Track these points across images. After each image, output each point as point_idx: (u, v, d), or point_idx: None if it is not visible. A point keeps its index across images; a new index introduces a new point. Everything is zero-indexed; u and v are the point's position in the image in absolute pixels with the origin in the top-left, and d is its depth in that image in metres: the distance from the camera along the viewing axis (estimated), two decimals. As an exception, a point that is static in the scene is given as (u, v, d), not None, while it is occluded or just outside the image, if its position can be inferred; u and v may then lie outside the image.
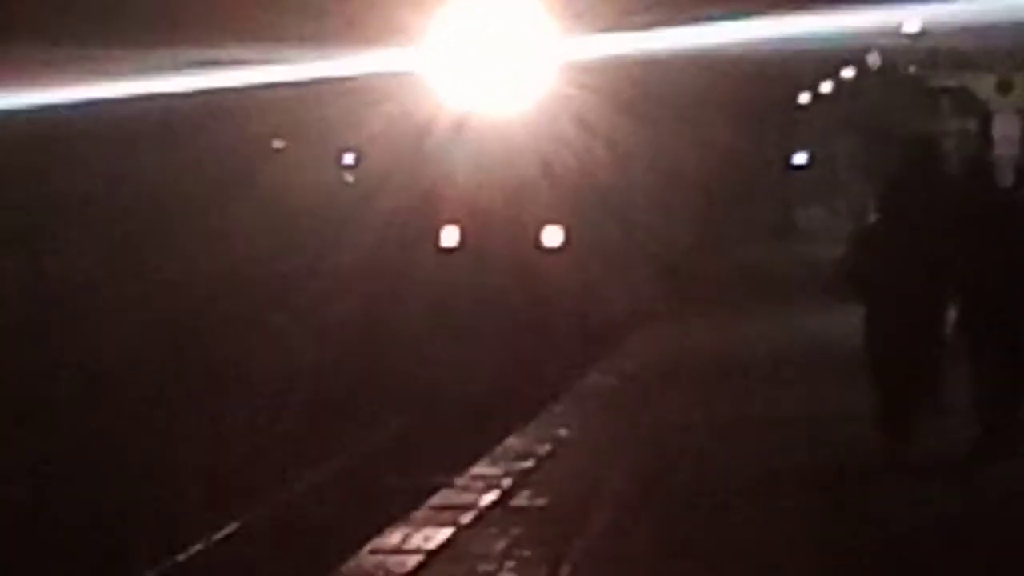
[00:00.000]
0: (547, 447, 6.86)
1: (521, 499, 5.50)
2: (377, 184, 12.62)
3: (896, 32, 17.14)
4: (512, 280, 10.84)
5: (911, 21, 16.64)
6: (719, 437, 6.85)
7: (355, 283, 11.95)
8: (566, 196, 11.42)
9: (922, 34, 16.78)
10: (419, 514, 5.15)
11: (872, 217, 6.80)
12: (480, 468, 6.33)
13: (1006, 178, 6.70)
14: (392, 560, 4.28)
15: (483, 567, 4.16)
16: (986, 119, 14.86)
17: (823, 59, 20.72)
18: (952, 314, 6.17)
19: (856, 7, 14.21)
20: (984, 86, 15.18)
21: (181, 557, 6.51)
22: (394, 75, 11.05)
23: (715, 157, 17.73)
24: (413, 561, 4.23)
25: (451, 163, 11.21)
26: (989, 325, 5.87)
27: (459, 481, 6.02)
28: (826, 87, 23.70)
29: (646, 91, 11.99)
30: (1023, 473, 5.37)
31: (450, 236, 11.33)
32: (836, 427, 6.84)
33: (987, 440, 5.80)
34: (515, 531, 4.75)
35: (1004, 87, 14.40)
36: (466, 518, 4.99)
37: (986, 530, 4.38)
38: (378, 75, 10.86)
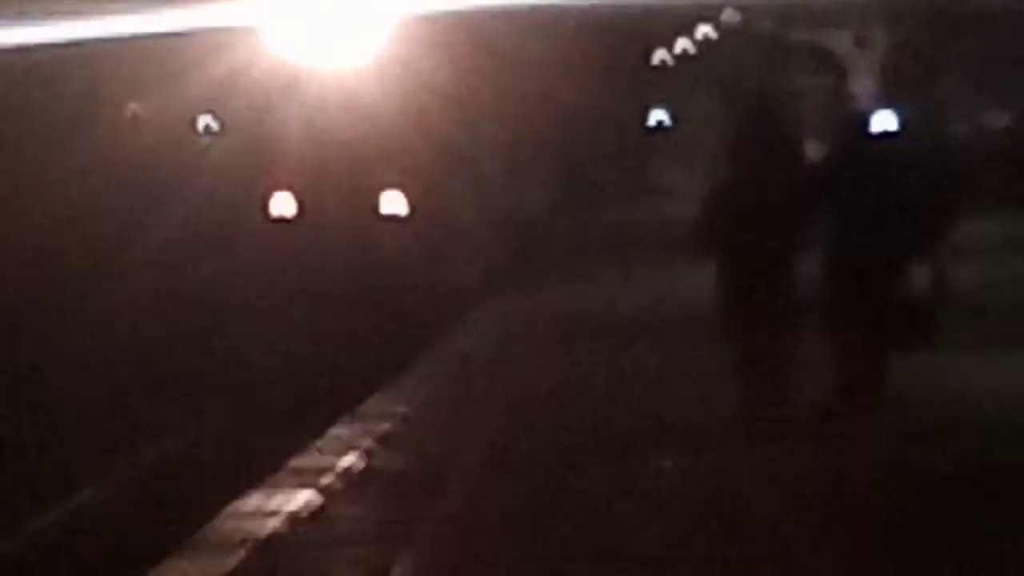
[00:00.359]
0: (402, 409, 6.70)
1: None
2: (206, 146, 11.87)
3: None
4: (352, 250, 10.17)
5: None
6: (562, 400, 6.70)
7: (178, 254, 10.96)
8: (409, 158, 10.76)
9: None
10: (279, 477, 5.11)
11: (724, 176, 6.58)
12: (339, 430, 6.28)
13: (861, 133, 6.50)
14: (252, 524, 4.20)
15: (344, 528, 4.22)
16: (842, 76, 14.69)
17: (677, 15, 20.40)
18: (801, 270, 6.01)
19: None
20: (841, 42, 15.10)
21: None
22: (223, 30, 10.27)
23: (565, 116, 16.99)
24: (273, 523, 4.17)
25: (284, 123, 10.47)
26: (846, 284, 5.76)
27: (319, 443, 5.92)
28: (681, 45, 23.06)
29: (492, 46, 11.33)
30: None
31: (281, 203, 10.53)
32: (684, 386, 6.56)
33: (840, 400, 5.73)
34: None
35: (860, 43, 14.33)
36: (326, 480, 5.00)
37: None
38: (206, 30, 10.11)
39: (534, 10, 11.65)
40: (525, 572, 3.57)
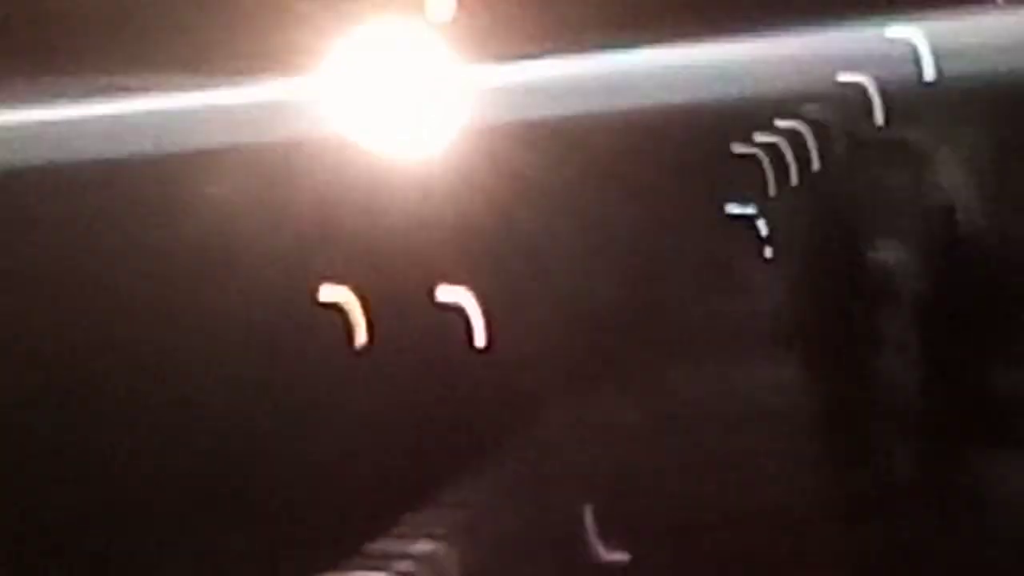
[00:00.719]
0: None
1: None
2: (254, 230, 11.95)
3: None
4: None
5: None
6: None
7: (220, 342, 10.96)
8: (475, 252, 10.56)
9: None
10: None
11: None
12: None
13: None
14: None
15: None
16: (931, 170, 14.65)
17: (756, 109, 21.09)
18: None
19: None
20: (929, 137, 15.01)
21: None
22: (276, 105, 10.26)
23: (643, 209, 17.11)
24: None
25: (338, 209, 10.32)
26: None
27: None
28: (763, 138, 24.00)
29: (563, 145, 11.35)
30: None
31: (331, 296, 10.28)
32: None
33: None
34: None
35: (947, 138, 14.31)
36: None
37: None
38: (258, 105, 10.12)
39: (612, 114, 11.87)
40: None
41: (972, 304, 5.74)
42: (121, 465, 7.48)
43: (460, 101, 10.22)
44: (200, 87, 9.64)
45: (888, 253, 6.58)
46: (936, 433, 5.67)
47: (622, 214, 15.55)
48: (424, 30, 10.06)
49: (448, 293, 9.86)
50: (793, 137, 22.31)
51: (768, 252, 17.80)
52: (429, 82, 9.62)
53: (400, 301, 10.24)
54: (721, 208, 24.03)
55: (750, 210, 22.35)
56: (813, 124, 21.33)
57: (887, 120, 12.55)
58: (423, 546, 5.59)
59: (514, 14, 10.20)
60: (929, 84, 10.45)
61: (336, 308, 10.50)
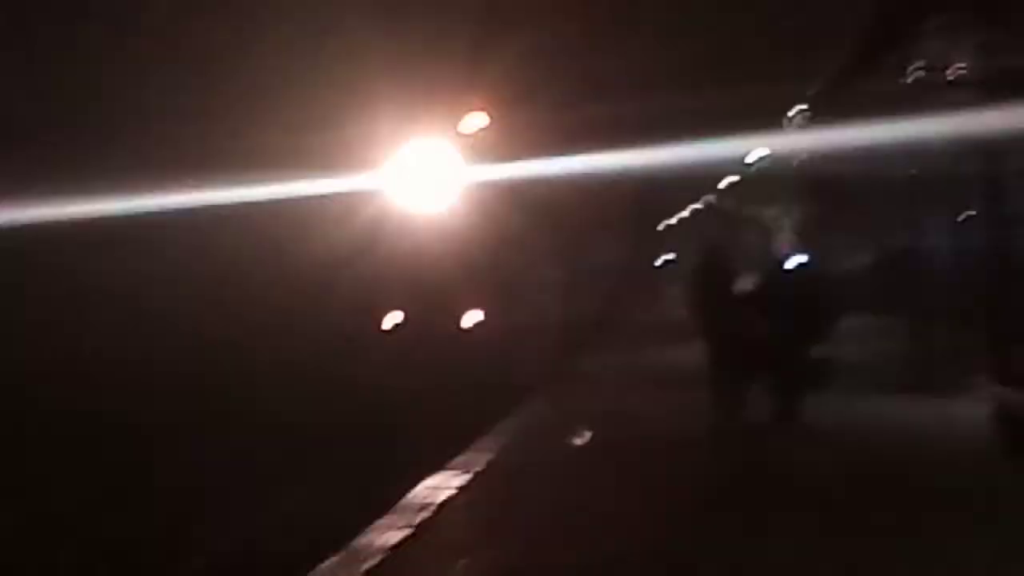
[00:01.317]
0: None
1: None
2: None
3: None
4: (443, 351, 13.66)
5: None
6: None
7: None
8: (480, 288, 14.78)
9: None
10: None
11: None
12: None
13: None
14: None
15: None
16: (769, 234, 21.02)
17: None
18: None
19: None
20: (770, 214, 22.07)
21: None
22: (346, 196, 13.17)
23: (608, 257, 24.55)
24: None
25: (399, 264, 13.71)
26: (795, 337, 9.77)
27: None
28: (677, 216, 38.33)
29: (542, 208, 15.77)
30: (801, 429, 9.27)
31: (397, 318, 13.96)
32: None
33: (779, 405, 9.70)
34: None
35: (780, 215, 20.80)
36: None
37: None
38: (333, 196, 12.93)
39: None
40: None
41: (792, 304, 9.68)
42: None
43: (480, 187, 14.09)
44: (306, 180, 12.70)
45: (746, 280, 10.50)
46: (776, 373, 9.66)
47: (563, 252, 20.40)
48: (458, 139, 14.05)
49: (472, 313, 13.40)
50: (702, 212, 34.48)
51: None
52: (460, 174, 13.44)
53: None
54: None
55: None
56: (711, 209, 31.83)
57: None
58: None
59: (517, 132, 14.32)
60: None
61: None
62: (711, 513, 5.96)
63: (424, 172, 14.12)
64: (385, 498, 7.00)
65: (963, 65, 10.76)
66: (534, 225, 15.43)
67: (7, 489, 7.93)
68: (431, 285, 13.90)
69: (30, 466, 8.45)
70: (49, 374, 9.88)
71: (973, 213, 12.91)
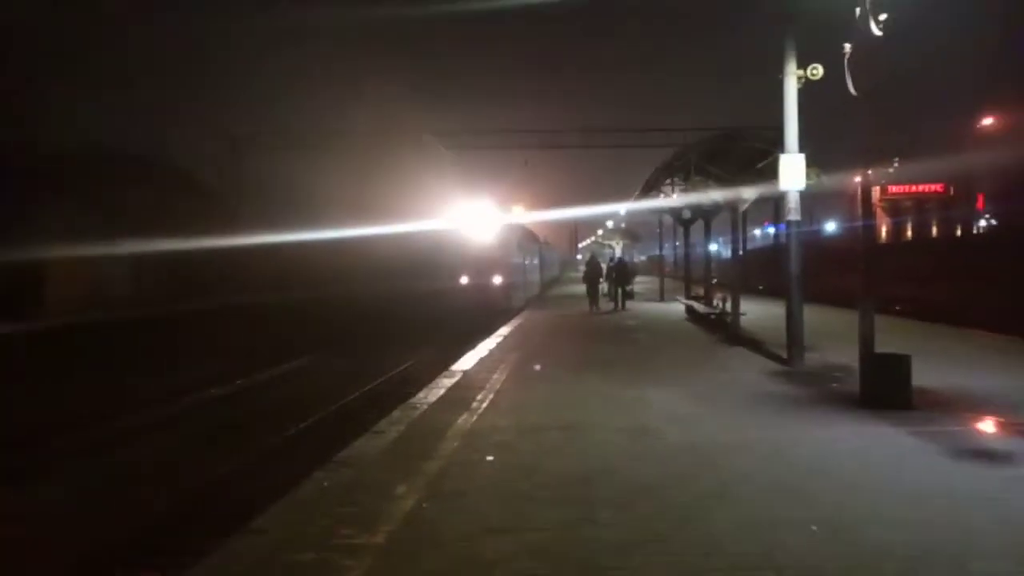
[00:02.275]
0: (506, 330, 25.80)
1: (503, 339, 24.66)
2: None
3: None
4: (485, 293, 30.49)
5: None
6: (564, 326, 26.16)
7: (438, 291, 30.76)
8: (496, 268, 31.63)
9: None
10: (471, 348, 17.88)
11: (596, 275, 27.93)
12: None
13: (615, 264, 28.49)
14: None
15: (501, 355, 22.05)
16: (614, 254, 38.99)
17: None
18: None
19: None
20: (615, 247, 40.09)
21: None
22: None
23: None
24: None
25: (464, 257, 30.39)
26: (616, 285, 27.15)
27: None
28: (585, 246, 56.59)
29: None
30: (623, 313, 25.40)
31: (465, 279, 30.39)
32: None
33: (615, 306, 26.91)
34: (505, 350, 23.26)
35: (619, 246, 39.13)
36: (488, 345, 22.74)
37: (605, 324, 23.98)
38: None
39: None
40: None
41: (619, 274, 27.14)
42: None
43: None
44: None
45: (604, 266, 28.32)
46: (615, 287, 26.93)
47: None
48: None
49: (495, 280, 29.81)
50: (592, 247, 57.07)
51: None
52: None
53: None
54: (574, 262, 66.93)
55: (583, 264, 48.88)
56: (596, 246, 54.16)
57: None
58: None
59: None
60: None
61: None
62: (590, 339, 22.83)
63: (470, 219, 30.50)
64: (468, 349, 18.54)
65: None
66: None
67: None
68: (477, 266, 30.19)
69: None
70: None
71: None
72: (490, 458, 7.56)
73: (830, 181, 15.81)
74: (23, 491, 10.50)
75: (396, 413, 9.86)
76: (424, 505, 6.11)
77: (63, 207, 20.84)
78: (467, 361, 15.17)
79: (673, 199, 23.52)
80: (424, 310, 27.85)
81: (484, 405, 10.20)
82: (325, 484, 6.74)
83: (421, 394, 11.17)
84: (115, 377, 16.44)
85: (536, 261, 44.64)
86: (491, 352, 16.89)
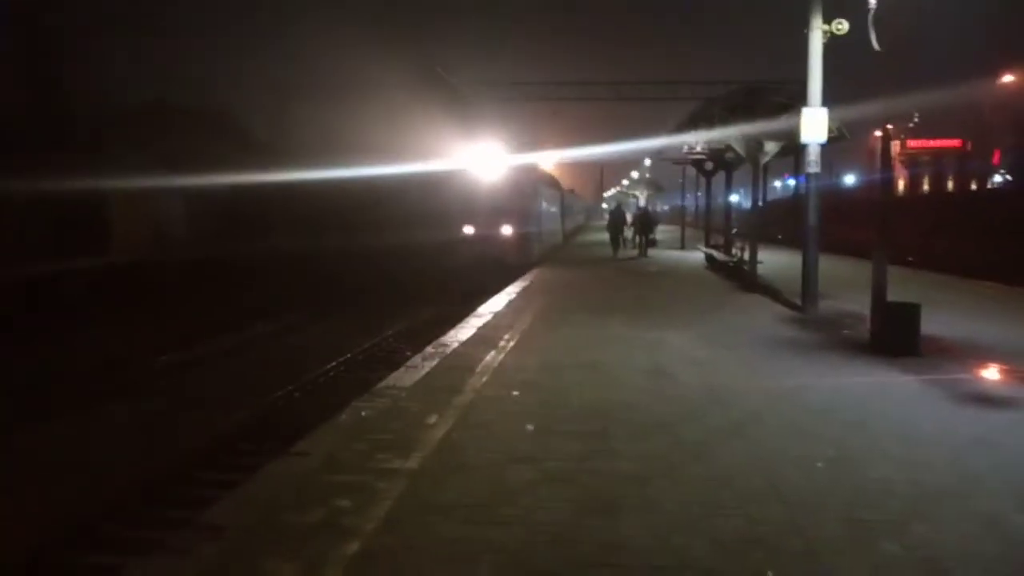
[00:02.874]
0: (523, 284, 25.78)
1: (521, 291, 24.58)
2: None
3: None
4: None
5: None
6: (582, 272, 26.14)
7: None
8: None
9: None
10: (488, 298, 17.14)
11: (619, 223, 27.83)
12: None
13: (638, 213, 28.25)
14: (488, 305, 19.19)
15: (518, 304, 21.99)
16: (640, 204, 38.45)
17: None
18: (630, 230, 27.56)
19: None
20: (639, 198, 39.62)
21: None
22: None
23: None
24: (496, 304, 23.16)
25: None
26: (639, 233, 27.06)
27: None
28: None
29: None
30: (644, 260, 25.40)
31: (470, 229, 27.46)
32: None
33: (639, 253, 26.77)
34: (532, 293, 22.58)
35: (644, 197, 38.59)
36: (506, 298, 21.39)
37: (627, 270, 23.93)
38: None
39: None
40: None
41: (646, 223, 26.97)
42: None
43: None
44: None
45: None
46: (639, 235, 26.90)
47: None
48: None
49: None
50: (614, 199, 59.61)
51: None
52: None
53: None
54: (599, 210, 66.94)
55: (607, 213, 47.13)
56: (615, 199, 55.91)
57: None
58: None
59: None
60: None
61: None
62: (612, 285, 22.86)
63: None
64: (481, 303, 17.11)
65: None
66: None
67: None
68: (486, 214, 29.54)
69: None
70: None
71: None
72: (515, 393, 7.67)
73: (850, 134, 15.49)
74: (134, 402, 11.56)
75: (429, 349, 9.99)
76: (453, 435, 6.25)
77: (128, 155, 21.01)
78: (496, 303, 15.24)
79: (696, 138, 23.15)
80: (427, 265, 25.08)
81: (511, 344, 10.30)
82: (363, 413, 6.89)
83: (452, 332, 11.29)
84: (180, 312, 17.02)
85: (556, 209, 40.38)
86: (517, 295, 16.91)
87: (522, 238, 27.20)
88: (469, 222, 26.13)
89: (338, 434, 6.25)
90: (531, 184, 30.08)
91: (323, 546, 4.17)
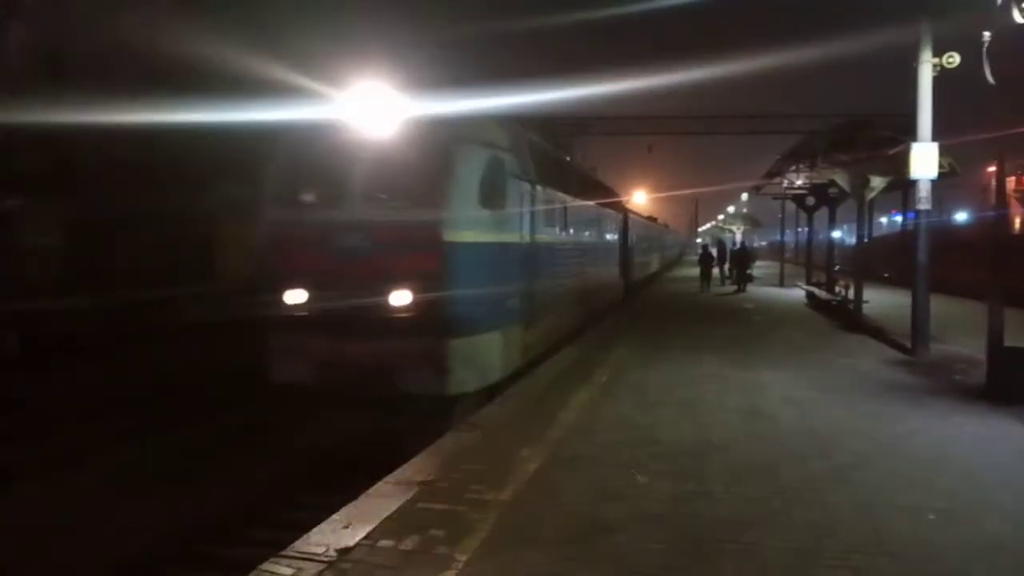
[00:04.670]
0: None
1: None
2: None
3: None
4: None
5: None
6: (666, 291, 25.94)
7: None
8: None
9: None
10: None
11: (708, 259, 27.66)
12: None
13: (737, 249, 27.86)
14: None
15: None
16: (735, 239, 37.59)
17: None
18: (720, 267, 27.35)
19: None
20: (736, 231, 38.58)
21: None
22: None
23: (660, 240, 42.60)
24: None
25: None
26: (734, 267, 26.66)
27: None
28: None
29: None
30: (740, 296, 24.96)
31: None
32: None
33: (735, 289, 26.31)
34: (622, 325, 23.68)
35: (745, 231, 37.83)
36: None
37: (722, 306, 23.37)
38: None
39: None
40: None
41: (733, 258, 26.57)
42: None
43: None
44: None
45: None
46: (733, 272, 26.42)
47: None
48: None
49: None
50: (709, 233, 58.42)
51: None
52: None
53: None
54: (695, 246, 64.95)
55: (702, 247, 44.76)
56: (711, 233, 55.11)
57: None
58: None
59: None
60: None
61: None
62: (707, 321, 22.36)
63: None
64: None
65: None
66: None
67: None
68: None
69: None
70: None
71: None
72: (608, 429, 7.63)
73: (961, 170, 14.88)
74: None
75: (522, 380, 10.04)
76: (546, 469, 6.26)
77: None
78: (589, 335, 15.18)
79: (799, 183, 22.70)
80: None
81: (603, 379, 10.25)
82: (459, 443, 7.00)
83: (544, 366, 11.32)
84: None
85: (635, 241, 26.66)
86: (609, 326, 16.79)
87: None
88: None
89: (435, 462, 6.38)
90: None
91: None
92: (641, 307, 22.48)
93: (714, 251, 32.50)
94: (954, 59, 12.00)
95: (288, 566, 4.48)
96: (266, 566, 4.51)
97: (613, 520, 5.11)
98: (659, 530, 4.94)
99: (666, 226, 60.02)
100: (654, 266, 37.74)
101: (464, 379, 8.67)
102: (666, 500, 5.51)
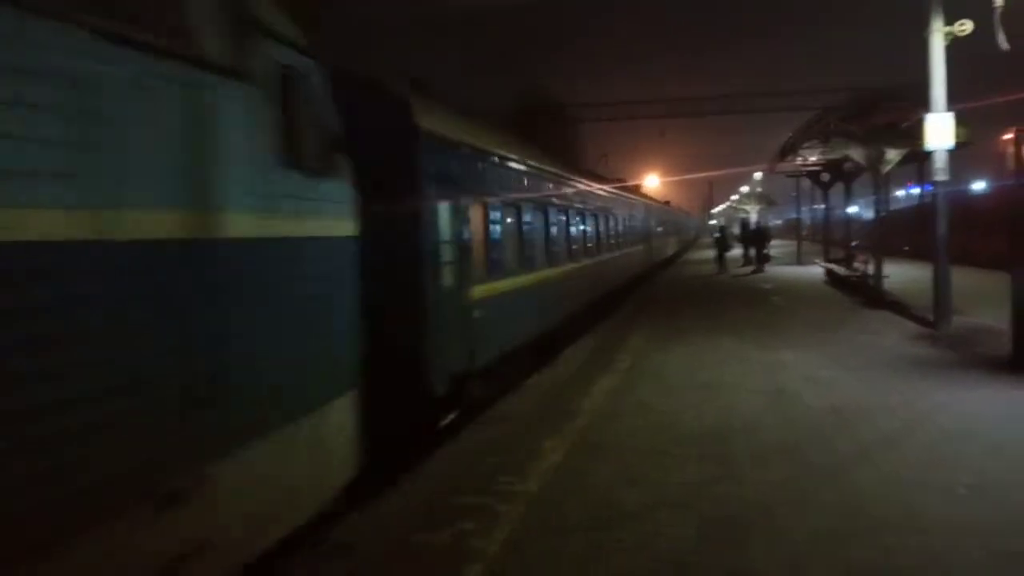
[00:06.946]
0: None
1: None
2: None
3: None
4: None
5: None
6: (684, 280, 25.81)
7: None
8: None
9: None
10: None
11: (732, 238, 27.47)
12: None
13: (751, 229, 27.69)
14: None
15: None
16: (749, 219, 37.37)
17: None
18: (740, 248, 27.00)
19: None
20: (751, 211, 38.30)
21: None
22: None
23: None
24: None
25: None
26: (750, 247, 26.43)
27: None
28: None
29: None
30: (757, 276, 24.80)
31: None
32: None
33: (752, 269, 26.08)
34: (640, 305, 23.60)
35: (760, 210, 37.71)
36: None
37: (740, 287, 23.34)
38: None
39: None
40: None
41: (751, 237, 26.39)
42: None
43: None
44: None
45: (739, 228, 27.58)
46: (751, 248, 26.21)
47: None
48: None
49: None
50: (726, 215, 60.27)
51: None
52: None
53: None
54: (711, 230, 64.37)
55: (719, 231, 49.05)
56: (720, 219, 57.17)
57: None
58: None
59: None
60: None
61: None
62: (726, 301, 22.21)
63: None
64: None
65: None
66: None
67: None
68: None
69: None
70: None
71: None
72: (631, 415, 7.61)
73: (975, 140, 14.65)
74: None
75: (545, 369, 10.04)
76: (571, 457, 6.26)
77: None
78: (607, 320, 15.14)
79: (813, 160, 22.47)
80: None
81: (625, 365, 10.22)
82: (484, 435, 7.01)
83: (568, 351, 11.31)
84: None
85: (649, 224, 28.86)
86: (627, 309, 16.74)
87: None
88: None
89: (461, 456, 6.38)
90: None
91: None
92: (658, 292, 22.36)
93: (735, 230, 32.02)
94: (966, 27, 11.80)
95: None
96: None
97: (639, 506, 5.10)
98: (686, 515, 4.92)
99: (674, 208, 60.56)
100: (672, 248, 39.20)
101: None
102: (692, 484, 5.49)
